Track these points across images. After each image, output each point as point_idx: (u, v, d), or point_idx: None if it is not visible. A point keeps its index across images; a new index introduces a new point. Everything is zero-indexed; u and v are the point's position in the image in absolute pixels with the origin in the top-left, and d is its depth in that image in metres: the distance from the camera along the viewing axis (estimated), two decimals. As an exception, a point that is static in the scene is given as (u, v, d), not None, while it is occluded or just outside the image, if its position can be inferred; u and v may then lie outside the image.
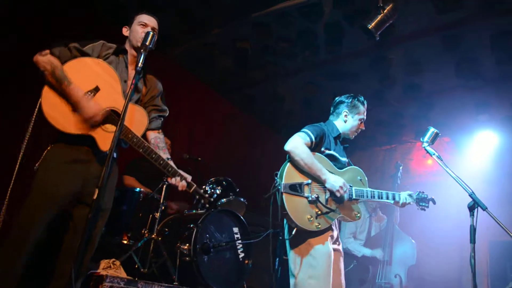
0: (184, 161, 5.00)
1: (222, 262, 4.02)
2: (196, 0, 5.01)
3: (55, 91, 2.46)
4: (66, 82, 2.44)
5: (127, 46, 2.86)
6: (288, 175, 2.99)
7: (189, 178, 2.75)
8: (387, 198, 3.31)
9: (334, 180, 2.97)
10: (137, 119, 2.67)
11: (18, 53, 4.18)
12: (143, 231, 4.04)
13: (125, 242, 3.96)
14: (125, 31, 2.90)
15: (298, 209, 2.89)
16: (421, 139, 3.26)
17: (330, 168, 3.09)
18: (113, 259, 3.42)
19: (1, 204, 2.50)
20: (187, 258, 3.78)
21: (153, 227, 4.01)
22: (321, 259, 2.90)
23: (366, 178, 3.30)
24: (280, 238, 3.23)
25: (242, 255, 4.19)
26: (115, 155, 2.67)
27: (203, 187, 4.20)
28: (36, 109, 2.46)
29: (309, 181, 2.99)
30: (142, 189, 4.24)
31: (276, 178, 3.01)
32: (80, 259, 2.26)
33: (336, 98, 3.56)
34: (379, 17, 4.48)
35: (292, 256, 3.04)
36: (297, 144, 3.03)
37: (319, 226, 2.90)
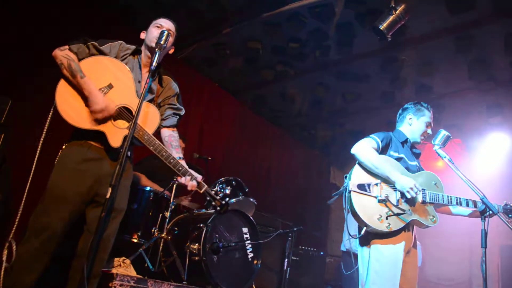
0: (194, 161, 5.01)
1: (231, 262, 4.02)
2: (206, 0, 5.03)
3: (70, 85, 2.51)
4: (80, 75, 2.49)
5: (142, 48, 2.88)
6: (356, 175, 2.95)
7: (199, 178, 2.72)
8: (467, 205, 3.14)
9: (405, 181, 2.87)
10: (149, 117, 2.69)
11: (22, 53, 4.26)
12: (153, 230, 4.06)
13: (135, 240, 3.98)
14: (143, 35, 2.90)
15: (366, 208, 2.83)
16: (432, 142, 3.23)
17: (400, 171, 3.01)
18: (123, 258, 3.44)
19: (18, 205, 2.51)
20: (196, 258, 3.79)
21: (163, 226, 4.03)
22: (387, 266, 2.80)
23: (442, 183, 3.19)
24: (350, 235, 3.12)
25: (251, 255, 4.19)
26: (129, 153, 2.63)
27: (215, 189, 4.22)
28: (52, 108, 2.50)
29: (379, 181, 2.94)
30: (152, 188, 4.25)
31: (345, 179, 2.97)
32: (92, 259, 2.27)
33: (401, 108, 3.52)
34: (391, 18, 4.46)
35: (360, 260, 2.98)
36: (364, 146, 3.00)
37: (390, 226, 2.81)
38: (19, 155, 3.59)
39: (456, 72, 5.74)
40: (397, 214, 2.86)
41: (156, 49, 2.53)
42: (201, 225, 3.96)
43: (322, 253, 6.50)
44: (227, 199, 2.86)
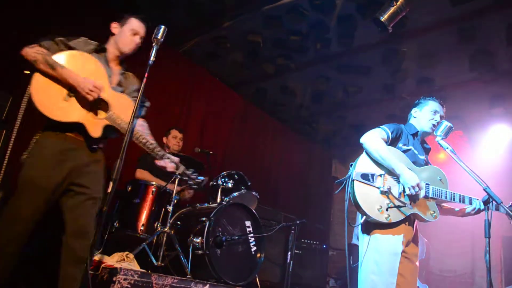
0: (195, 155, 5.01)
1: (235, 256, 4.03)
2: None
3: (46, 79, 2.54)
4: (59, 66, 2.53)
5: (110, 43, 2.91)
6: (361, 164, 2.94)
7: (176, 159, 2.83)
8: (470, 203, 3.14)
9: (409, 177, 2.85)
10: (125, 108, 2.75)
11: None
12: (155, 225, 4.07)
13: (138, 235, 3.99)
14: (114, 28, 2.93)
15: (368, 198, 2.84)
16: (434, 133, 3.22)
17: (407, 164, 2.98)
18: (127, 252, 3.44)
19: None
20: (199, 252, 3.80)
21: (165, 220, 4.03)
22: (385, 256, 2.82)
23: (447, 179, 3.15)
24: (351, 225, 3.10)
25: (254, 248, 4.19)
26: (101, 145, 2.77)
27: (211, 179, 4.23)
28: (26, 99, 2.58)
29: (383, 172, 2.93)
30: (155, 183, 4.26)
31: (351, 168, 2.96)
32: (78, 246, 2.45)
33: None
34: (392, 9, 4.44)
35: (360, 249, 2.99)
36: (373, 136, 2.99)
37: (389, 217, 2.81)
38: (19, 151, 3.59)
39: (458, 63, 5.70)
40: (398, 207, 2.86)
41: (154, 44, 2.60)
42: (204, 219, 3.96)
43: (325, 246, 6.51)
44: (202, 178, 2.98)
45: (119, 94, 2.79)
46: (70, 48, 2.71)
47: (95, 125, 2.63)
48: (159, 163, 2.80)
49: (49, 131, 2.61)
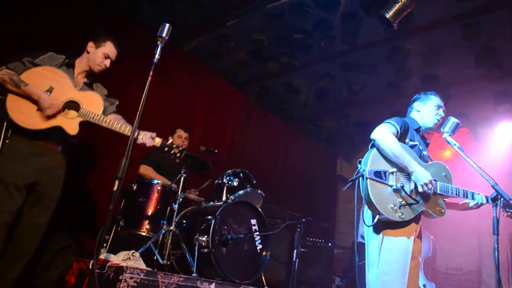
0: (201, 154, 5.00)
1: (240, 254, 4.02)
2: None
3: (18, 96, 2.85)
4: (23, 84, 2.84)
5: (81, 59, 3.24)
6: (373, 161, 2.88)
7: (154, 134, 3.10)
8: (473, 198, 3.16)
9: (422, 174, 2.84)
10: (94, 102, 3.11)
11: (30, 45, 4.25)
12: (161, 223, 4.07)
13: (143, 234, 3.99)
14: (90, 48, 3.25)
15: (381, 197, 2.80)
16: (441, 129, 3.20)
17: (416, 161, 2.96)
18: (133, 251, 3.45)
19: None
20: (205, 250, 3.79)
21: (171, 219, 4.03)
22: (398, 255, 2.80)
23: (451, 175, 3.15)
24: (365, 224, 3.02)
25: (260, 247, 4.19)
26: (60, 148, 3.06)
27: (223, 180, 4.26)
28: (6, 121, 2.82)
29: (395, 170, 2.88)
30: (160, 181, 4.26)
31: (359, 165, 2.92)
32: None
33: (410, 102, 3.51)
34: (396, 6, 4.41)
35: (370, 248, 2.94)
36: (385, 132, 2.92)
37: (403, 216, 2.79)
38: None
39: (463, 60, 5.66)
40: (410, 204, 2.85)
41: (158, 42, 2.76)
42: (210, 217, 3.96)
43: (330, 244, 6.49)
44: (183, 147, 3.18)
45: (86, 92, 3.12)
46: (35, 65, 2.99)
47: (71, 124, 2.98)
48: (139, 141, 3.04)
49: (20, 135, 2.86)
